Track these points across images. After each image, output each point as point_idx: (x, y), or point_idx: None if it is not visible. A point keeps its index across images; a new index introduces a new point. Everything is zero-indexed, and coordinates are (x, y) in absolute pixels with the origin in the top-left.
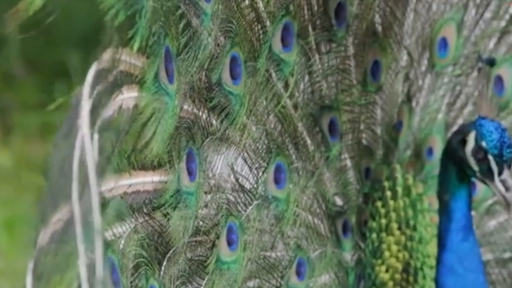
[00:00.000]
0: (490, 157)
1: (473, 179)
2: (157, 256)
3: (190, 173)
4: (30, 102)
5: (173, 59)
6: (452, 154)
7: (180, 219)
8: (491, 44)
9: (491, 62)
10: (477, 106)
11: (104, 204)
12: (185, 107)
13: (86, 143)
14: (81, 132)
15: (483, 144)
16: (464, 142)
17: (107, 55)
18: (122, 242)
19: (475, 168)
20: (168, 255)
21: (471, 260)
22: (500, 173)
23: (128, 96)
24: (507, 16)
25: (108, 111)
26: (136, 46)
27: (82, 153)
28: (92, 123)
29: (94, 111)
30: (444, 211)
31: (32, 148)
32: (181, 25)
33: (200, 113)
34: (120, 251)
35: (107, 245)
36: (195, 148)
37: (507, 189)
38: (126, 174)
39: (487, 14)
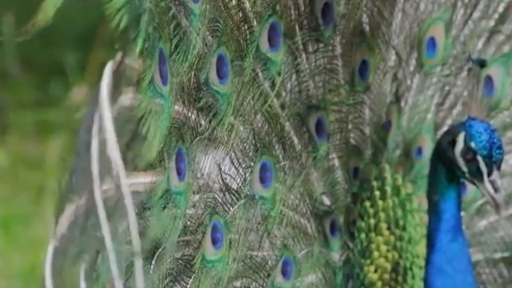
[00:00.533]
0: (479, 158)
1: (463, 180)
2: (147, 255)
3: (180, 173)
4: (26, 100)
5: (167, 61)
6: (442, 155)
7: (169, 219)
8: (480, 44)
9: (481, 63)
10: (467, 106)
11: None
12: (176, 107)
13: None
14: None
15: (472, 145)
16: (453, 143)
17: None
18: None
19: (464, 169)
20: (157, 254)
21: (460, 261)
22: (489, 174)
23: (126, 97)
24: (496, 16)
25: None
26: (138, 49)
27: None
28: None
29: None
30: (434, 211)
31: (28, 147)
32: (172, 26)
33: (190, 114)
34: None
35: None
36: (185, 147)
37: (496, 190)
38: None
39: (476, 14)
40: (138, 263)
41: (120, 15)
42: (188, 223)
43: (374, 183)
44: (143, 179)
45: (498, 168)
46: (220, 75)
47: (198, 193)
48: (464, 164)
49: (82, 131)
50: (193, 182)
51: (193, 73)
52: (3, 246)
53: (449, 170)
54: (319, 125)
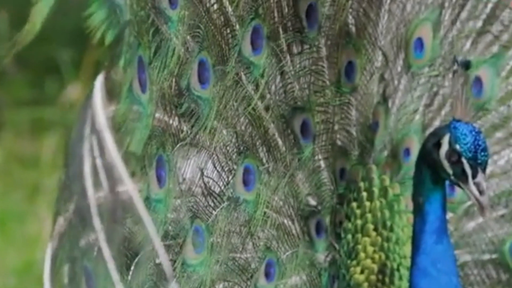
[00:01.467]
0: (464, 160)
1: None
2: (126, 262)
3: (160, 180)
4: (21, 98)
5: (146, 68)
6: (427, 157)
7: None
8: (468, 45)
9: (466, 65)
10: (453, 108)
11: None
12: (157, 115)
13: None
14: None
15: (457, 147)
16: (438, 145)
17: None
18: (96, 249)
19: (449, 171)
20: (135, 261)
21: (444, 263)
22: (474, 176)
23: (109, 110)
24: (483, 16)
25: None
26: (122, 62)
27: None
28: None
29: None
30: (418, 213)
31: (23, 144)
32: (151, 33)
33: (171, 120)
34: (94, 259)
35: (83, 253)
36: (165, 155)
37: (481, 192)
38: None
39: (464, 14)
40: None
41: (101, 31)
42: (170, 227)
43: (361, 184)
44: (125, 187)
45: (483, 170)
46: (202, 80)
47: (179, 197)
48: (449, 166)
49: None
50: (174, 188)
51: (173, 79)
52: None
53: (434, 172)
54: (304, 127)
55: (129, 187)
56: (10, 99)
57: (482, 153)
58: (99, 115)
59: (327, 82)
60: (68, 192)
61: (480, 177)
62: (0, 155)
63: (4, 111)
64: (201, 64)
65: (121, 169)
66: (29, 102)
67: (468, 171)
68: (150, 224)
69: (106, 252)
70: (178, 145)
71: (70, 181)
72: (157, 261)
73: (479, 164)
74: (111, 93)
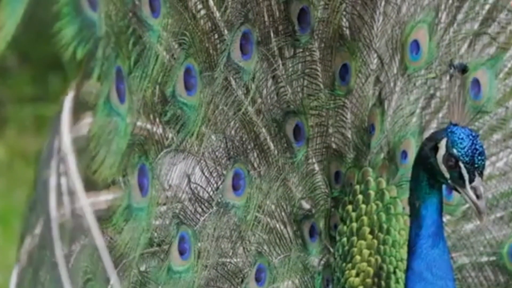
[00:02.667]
0: (461, 165)
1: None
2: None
3: (142, 188)
4: (24, 95)
5: (125, 79)
6: (424, 161)
7: (130, 234)
8: (465, 47)
9: (463, 69)
10: (449, 112)
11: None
12: (139, 123)
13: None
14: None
15: (454, 151)
16: (435, 149)
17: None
18: (72, 259)
19: (446, 175)
20: (117, 270)
21: (440, 267)
22: (471, 181)
23: (84, 123)
24: (480, 18)
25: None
26: (96, 75)
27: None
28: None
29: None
30: (415, 217)
31: (26, 141)
32: (131, 43)
33: (155, 128)
34: (70, 269)
35: (48, 274)
36: (148, 163)
37: (478, 196)
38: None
39: (460, 16)
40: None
41: (73, 47)
42: (155, 234)
43: (357, 187)
44: (105, 197)
45: (481, 174)
46: (188, 87)
47: (165, 204)
48: (446, 171)
49: (41, 164)
50: (157, 195)
51: (157, 87)
52: (0, 240)
53: (431, 176)
54: (297, 131)
55: (83, 204)
56: (13, 95)
57: (479, 157)
58: (65, 137)
59: (321, 85)
60: (35, 212)
61: (477, 181)
62: (3, 151)
63: (7, 107)
64: (188, 71)
65: (80, 191)
66: (32, 99)
67: (466, 175)
68: (102, 243)
69: (64, 274)
70: (162, 153)
71: (37, 200)
72: (142, 268)
73: (476, 168)
74: (83, 109)
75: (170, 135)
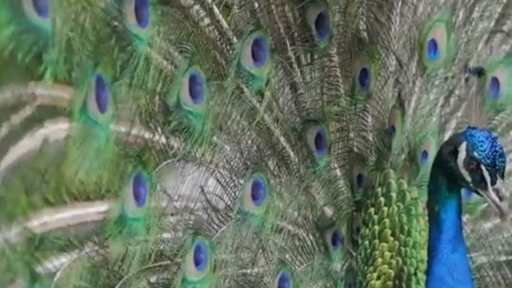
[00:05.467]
0: (483, 167)
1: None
2: (105, 286)
3: (138, 198)
4: None
5: (107, 87)
6: (443, 165)
7: (124, 246)
8: (482, 45)
9: (479, 72)
10: (467, 116)
11: (33, 238)
12: (134, 132)
13: None
14: None
15: (475, 154)
16: (455, 153)
17: (8, 92)
18: (59, 274)
19: (468, 178)
20: (118, 285)
21: (460, 272)
22: (493, 183)
23: (54, 129)
24: (495, 16)
25: (23, 148)
26: (48, 79)
27: None
28: None
29: None
30: (434, 221)
31: None
32: (116, 51)
33: (157, 137)
34: (54, 284)
35: (34, 278)
36: (146, 172)
37: (501, 198)
38: (65, 206)
39: (476, 14)
40: None
41: (10, 50)
42: (166, 247)
43: (379, 189)
44: (87, 210)
45: (502, 176)
46: (193, 95)
47: (174, 215)
48: (468, 174)
49: None
50: (162, 206)
51: (157, 96)
52: None
53: (450, 180)
54: (318, 139)
55: None
56: None
57: (500, 159)
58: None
59: (341, 91)
60: None
61: (499, 183)
62: None
63: None
64: (193, 78)
65: None
66: None
67: (487, 177)
68: None
69: None
70: (165, 162)
71: None
72: (152, 280)
73: (497, 170)
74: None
75: (176, 145)
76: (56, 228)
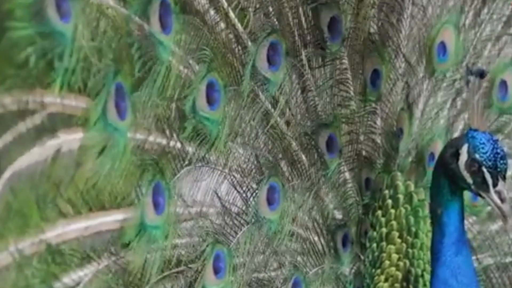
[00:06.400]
0: (484, 169)
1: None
2: None
3: (157, 206)
4: None
5: (127, 95)
6: (445, 168)
7: (143, 254)
8: (490, 47)
9: (481, 74)
10: (469, 118)
11: (49, 250)
12: (151, 139)
13: None
14: None
15: (477, 156)
16: (457, 155)
17: (9, 98)
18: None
19: (469, 181)
20: None
21: (464, 274)
22: (495, 185)
23: (68, 139)
24: (503, 18)
25: (33, 157)
26: (57, 87)
27: None
28: None
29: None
30: (437, 224)
31: None
32: (136, 59)
33: (172, 143)
34: None
35: None
36: (164, 181)
37: (502, 200)
38: (80, 217)
39: (484, 16)
40: None
41: (27, 54)
42: (182, 252)
43: (386, 192)
44: (102, 219)
45: (503, 178)
46: (210, 102)
47: (190, 220)
48: (469, 176)
49: None
50: (177, 213)
51: (173, 103)
52: None
53: (452, 182)
54: (330, 142)
55: None
56: None
57: (502, 161)
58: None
59: (352, 93)
60: None
61: (501, 185)
62: None
63: None
64: (210, 85)
65: None
66: None
67: (489, 179)
68: None
69: None
70: (184, 170)
71: None
72: (168, 286)
73: (499, 172)
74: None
75: (191, 151)
76: (71, 239)
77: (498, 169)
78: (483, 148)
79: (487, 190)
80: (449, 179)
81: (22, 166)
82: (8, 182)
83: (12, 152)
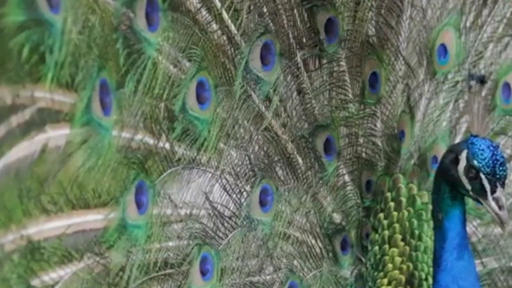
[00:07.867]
0: (482, 176)
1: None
2: None
3: (140, 206)
4: None
5: (112, 92)
6: (445, 173)
7: (124, 254)
8: (492, 49)
9: (482, 80)
10: (469, 124)
11: (30, 247)
12: (138, 138)
13: None
14: None
15: (475, 163)
16: (456, 161)
17: (6, 92)
18: (59, 286)
19: (468, 186)
20: None
21: (466, 279)
22: (493, 191)
23: (55, 134)
24: (504, 20)
25: (21, 152)
26: (48, 82)
27: None
28: None
29: None
30: (438, 229)
31: None
32: (122, 56)
33: (161, 144)
34: None
35: None
36: (148, 180)
37: (500, 207)
38: (62, 214)
39: (484, 18)
40: None
41: (20, 43)
42: (171, 255)
43: (388, 194)
44: (85, 218)
45: (502, 185)
46: (201, 101)
47: (179, 222)
48: (468, 182)
49: None
50: (165, 213)
51: (162, 103)
52: None
53: (453, 188)
54: (327, 144)
55: None
56: None
57: (500, 168)
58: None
59: (350, 96)
60: None
61: (499, 192)
62: None
63: None
64: (200, 84)
65: None
66: None
67: (487, 186)
68: None
69: None
70: (170, 170)
71: None
72: None
73: (497, 179)
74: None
75: (180, 151)
76: (52, 236)
77: (497, 176)
78: (482, 154)
79: (485, 196)
80: (449, 185)
81: (11, 160)
82: None
83: (4, 145)
